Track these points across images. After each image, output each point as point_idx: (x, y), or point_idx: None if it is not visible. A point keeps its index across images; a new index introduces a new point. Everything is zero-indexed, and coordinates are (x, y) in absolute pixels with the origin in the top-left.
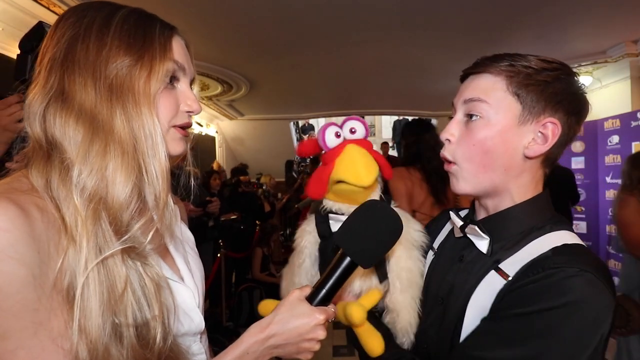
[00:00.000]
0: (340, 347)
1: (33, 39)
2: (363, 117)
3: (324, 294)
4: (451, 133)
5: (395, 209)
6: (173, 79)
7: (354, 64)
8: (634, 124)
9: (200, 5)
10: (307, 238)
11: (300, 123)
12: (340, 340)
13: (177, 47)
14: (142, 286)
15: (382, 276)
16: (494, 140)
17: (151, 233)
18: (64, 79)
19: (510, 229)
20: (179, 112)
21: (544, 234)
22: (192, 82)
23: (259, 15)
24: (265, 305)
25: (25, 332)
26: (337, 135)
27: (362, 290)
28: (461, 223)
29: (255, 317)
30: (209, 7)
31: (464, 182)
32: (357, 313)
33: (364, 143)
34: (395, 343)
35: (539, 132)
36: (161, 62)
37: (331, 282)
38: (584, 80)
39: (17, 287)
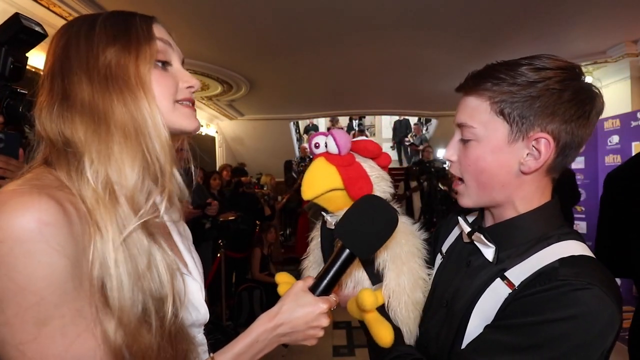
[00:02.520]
0: (340, 347)
1: (8, 30)
2: (363, 117)
3: (326, 284)
4: (451, 154)
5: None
6: (165, 63)
7: (354, 64)
8: (634, 124)
9: (201, 5)
10: (316, 231)
11: (304, 124)
12: (340, 340)
13: (159, 31)
14: (158, 264)
15: (376, 279)
16: (486, 160)
17: (164, 203)
18: (64, 81)
19: (516, 237)
20: (179, 89)
21: (552, 243)
22: (181, 62)
23: (259, 15)
24: (281, 276)
25: (63, 319)
26: (317, 146)
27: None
28: (469, 229)
29: (255, 317)
30: (209, 7)
31: (467, 198)
32: (368, 298)
33: (335, 158)
34: (403, 341)
35: (533, 146)
36: (146, 44)
37: (332, 273)
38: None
39: (59, 277)
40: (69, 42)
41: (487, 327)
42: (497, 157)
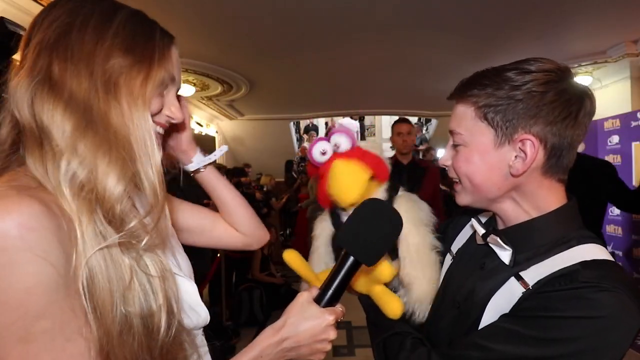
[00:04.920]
0: (340, 347)
1: None
2: (363, 118)
3: (331, 294)
4: (445, 159)
5: (402, 192)
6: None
7: (354, 64)
8: (634, 124)
9: (201, 5)
10: (321, 226)
11: (304, 123)
12: (340, 340)
13: (174, 58)
14: (148, 276)
15: (394, 255)
16: (476, 164)
17: (151, 231)
18: (53, 64)
19: (533, 240)
20: (161, 113)
21: (572, 246)
22: (177, 91)
23: (259, 15)
24: (290, 255)
25: (49, 333)
26: (323, 153)
27: None
28: (483, 231)
29: (256, 317)
30: (209, 7)
31: (464, 197)
32: (387, 269)
33: (352, 153)
34: (404, 320)
35: (519, 149)
36: (159, 69)
37: (337, 282)
38: (584, 80)
39: (44, 288)
40: (72, 24)
41: (501, 317)
42: (486, 161)
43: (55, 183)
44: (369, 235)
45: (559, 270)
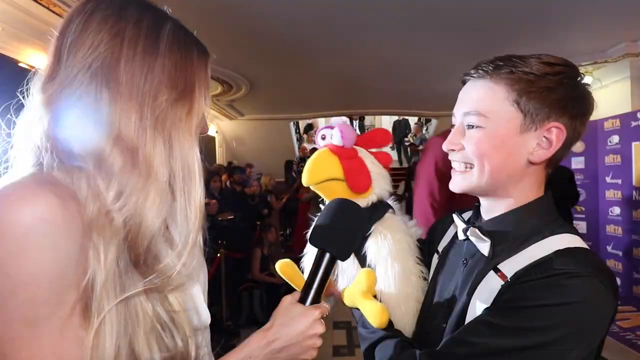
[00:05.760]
0: (340, 347)
1: None
2: (363, 118)
3: (313, 293)
4: (454, 143)
5: (390, 215)
6: None
7: (354, 64)
8: (634, 124)
9: (201, 5)
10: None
11: (304, 123)
12: (340, 340)
13: (209, 75)
14: (171, 313)
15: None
16: (496, 148)
17: (175, 273)
18: (102, 96)
19: (512, 231)
20: None
21: (546, 236)
22: None
23: (259, 16)
24: (282, 266)
25: (53, 319)
26: (323, 138)
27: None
28: (464, 226)
29: (255, 317)
30: (209, 7)
31: (465, 181)
32: (370, 276)
33: (334, 149)
34: (392, 324)
35: (544, 137)
36: (199, 97)
37: (317, 280)
38: (585, 79)
39: (51, 277)
40: (120, 53)
41: (483, 311)
42: (506, 147)
43: (95, 215)
44: (337, 230)
45: (534, 261)
